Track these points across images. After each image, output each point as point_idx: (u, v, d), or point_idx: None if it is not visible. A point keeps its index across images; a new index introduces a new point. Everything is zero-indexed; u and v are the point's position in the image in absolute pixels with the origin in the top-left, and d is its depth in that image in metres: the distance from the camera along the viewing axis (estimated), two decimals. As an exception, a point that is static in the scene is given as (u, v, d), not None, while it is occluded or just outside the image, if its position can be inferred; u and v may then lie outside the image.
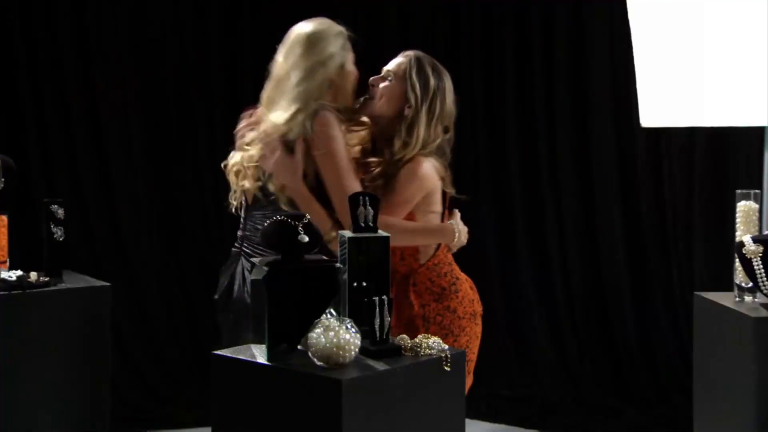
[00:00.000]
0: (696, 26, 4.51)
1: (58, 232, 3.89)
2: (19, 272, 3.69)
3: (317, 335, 2.58)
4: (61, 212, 3.90)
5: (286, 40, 3.45)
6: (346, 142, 3.32)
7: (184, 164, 5.96)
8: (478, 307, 3.54)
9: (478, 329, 3.52)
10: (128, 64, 5.83)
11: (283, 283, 2.66)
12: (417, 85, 3.34)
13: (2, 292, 3.58)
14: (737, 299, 3.53)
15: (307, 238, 2.71)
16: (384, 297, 2.71)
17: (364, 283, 2.79)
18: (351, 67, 3.43)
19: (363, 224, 2.83)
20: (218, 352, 2.78)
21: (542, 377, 6.02)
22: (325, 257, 2.83)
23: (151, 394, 5.71)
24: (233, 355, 2.73)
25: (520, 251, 6.13)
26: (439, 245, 3.46)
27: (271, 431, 2.63)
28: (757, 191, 3.53)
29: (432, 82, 3.37)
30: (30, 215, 4.10)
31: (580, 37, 6.04)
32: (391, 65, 3.41)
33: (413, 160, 3.38)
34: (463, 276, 3.55)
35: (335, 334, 2.58)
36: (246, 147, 3.44)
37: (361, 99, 3.46)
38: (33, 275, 3.70)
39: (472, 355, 3.51)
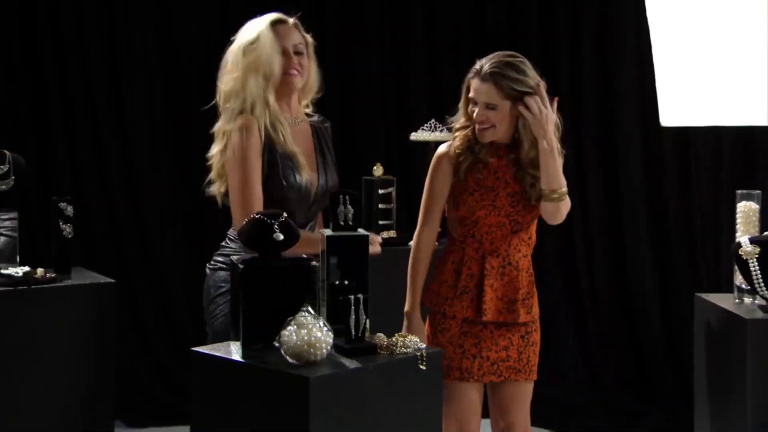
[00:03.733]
0: (716, 27, 4.48)
1: (67, 229, 3.96)
2: (26, 268, 3.76)
3: (289, 333, 2.60)
4: (69, 209, 3.97)
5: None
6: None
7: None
8: None
9: None
10: (154, 63, 5.88)
11: (258, 280, 2.69)
12: (518, 91, 3.29)
13: (7, 288, 3.66)
14: (737, 301, 3.49)
15: (282, 236, 2.73)
16: (360, 295, 2.72)
17: (346, 282, 2.80)
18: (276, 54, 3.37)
19: (343, 222, 2.84)
20: (197, 348, 2.81)
21: (566, 378, 5.96)
22: (304, 255, 2.85)
23: (176, 390, 5.76)
24: (210, 352, 2.76)
25: (545, 251, 6.07)
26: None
27: (244, 427, 2.66)
28: (758, 192, 3.48)
29: (529, 79, 3.31)
30: (41, 212, 4.17)
31: (607, 34, 5.98)
32: (485, 96, 3.29)
33: None
34: None
35: (308, 331, 2.59)
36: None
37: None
38: (39, 271, 3.77)
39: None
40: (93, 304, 3.81)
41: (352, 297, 2.71)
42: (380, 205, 4.73)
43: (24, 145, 5.41)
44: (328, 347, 2.62)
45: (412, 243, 3.48)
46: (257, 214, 2.76)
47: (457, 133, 3.40)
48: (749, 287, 3.39)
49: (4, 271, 3.73)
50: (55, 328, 3.73)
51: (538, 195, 3.33)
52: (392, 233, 4.79)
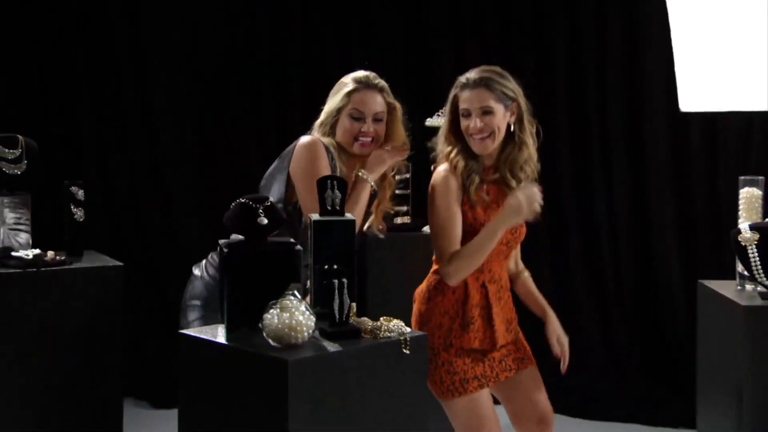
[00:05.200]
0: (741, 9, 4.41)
1: (78, 213, 4.02)
2: (37, 251, 3.82)
3: (271, 316, 2.62)
4: (81, 193, 4.03)
5: None
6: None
7: (233, 154, 6.04)
8: None
9: None
10: (180, 57, 5.95)
11: (241, 264, 2.72)
12: (507, 96, 3.33)
13: (17, 270, 3.72)
14: (738, 288, 3.46)
15: (266, 221, 2.75)
16: (344, 279, 2.73)
17: (335, 266, 2.81)
18: (345, 118, 3.47)
19: (330, 207, 2.85)
20: (184, 331, 2.85)
21: (590, 367, 5.93)
22: (291, 240, 2.87)
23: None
24: (196, 334, 2.80)
25: (570, 238, 6.05)
26: None
27: (227, 408, 2.69)
28: (761, 178, 3.45)
29: (513, 86, 3.36)
30: (53, 196, 4.24)
31: (634, 19, 5.92)
32: (479, 102, 3.30)
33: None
34: None
35: (290, 315, 2.62)
36: None
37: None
38: (50, 254, 3.83)
39: None
40: (101, 286, 3.86)
41: (336, 281, 2.72)
42: (396, 191, 4.73)
43: (52, 133, 5.55)
44: (310, 331, 2.64)
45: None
46: (243, 198, 2.79)
47: (453, 158, 3.34)
48: (749, 274, 3.36)
49: (14, 254, 3.79)
50: (63, 309, 3.78)
51: None
52: (406, 219, 4.81)
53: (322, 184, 2.86)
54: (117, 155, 5.84)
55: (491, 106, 3.27)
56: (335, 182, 2.86)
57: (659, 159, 5.89)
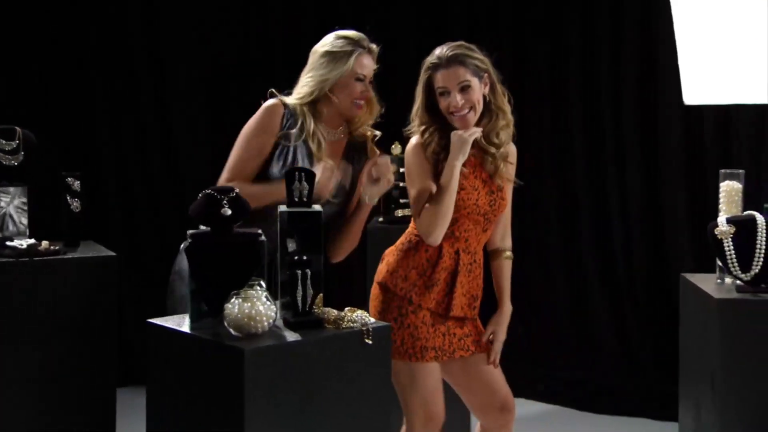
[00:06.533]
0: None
1: (74, 204, 4.08)
2: (31, 240, 3.88)
3: (232, 305, 2.66)
4: (77, 185, 4.08)
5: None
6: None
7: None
8: None
9: None
10: (194, 52, 6.02)
11: (204, 254, 2.76)
12: (480, 68, 3.35)
13: (10, 260, 3.78)
14: (718, 281, 3.44)
15: (229, 212, 2.79)
16: (307, 270, 2.76)
17: (305, 257, 2.84)
18: (351, 81, 3.48)
19: (297, 199, 2.88)
20: (151, 320, 2.89)
21: (601, 360, 5.92)
22: (258, 231, 2.90)
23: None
24: (161, 323, 2.84)
25: (582, 230, 6.04)
26: None
27: (190, 395, 2.74)
28: (742, 171, 3.43)
29: (482, 57, 3.38)
30: (51, 187, 4.30)
31: (648, 12, 5.88)
32: (457, 78, 3.30)
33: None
34: None
35: (251, 304, 2.65)
36: None
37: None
38: (44, 244, 3.88)
39: None
40: (94, 276, 3.87)
41: (300, 272, 2.75)
42: (400, 184, 4.75)
43: (69, 129, 5.66)
44: (271, 320, 2.67)
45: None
46: (208, 189, 2.83)
47: (426, 138, 3.37)
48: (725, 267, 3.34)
49: (9, 243, 3.85)
50: (56, 299, 3.80)
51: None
52: (407, 211, 4.81)
53: (290, 175, 2.89)
54: (131, 149, 5.94)
55: (468, 80, 3.30)
56: (303, 174, 2.89)
57: (672, 151, 5.86)
